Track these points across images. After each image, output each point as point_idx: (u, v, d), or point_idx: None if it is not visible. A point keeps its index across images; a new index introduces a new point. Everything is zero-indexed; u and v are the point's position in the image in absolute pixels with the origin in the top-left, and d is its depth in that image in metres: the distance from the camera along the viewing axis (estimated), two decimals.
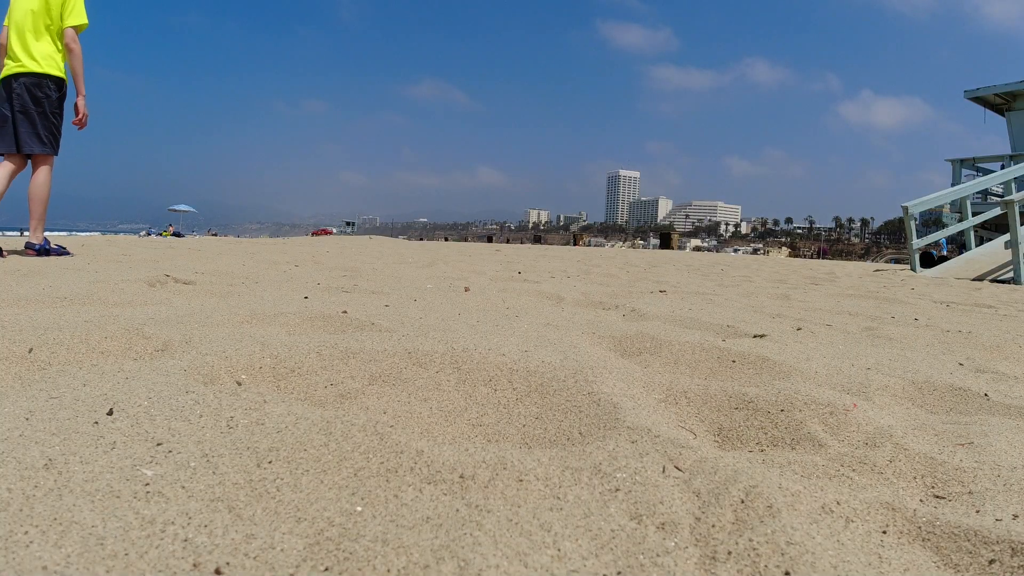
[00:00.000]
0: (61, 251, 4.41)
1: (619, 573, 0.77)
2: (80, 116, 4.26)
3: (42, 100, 4.07)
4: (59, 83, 4.20)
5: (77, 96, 4.22)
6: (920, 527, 0.94)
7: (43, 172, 4.17)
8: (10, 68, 4.10)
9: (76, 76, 4.18)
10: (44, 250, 4.18)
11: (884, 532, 0.93)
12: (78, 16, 4.10)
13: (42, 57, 4.09)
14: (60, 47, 4.15)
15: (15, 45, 4.07)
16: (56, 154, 4.24)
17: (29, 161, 4.22)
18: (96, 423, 1.08)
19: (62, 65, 4.21)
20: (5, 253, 4.18)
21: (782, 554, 0.80)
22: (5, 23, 4.23)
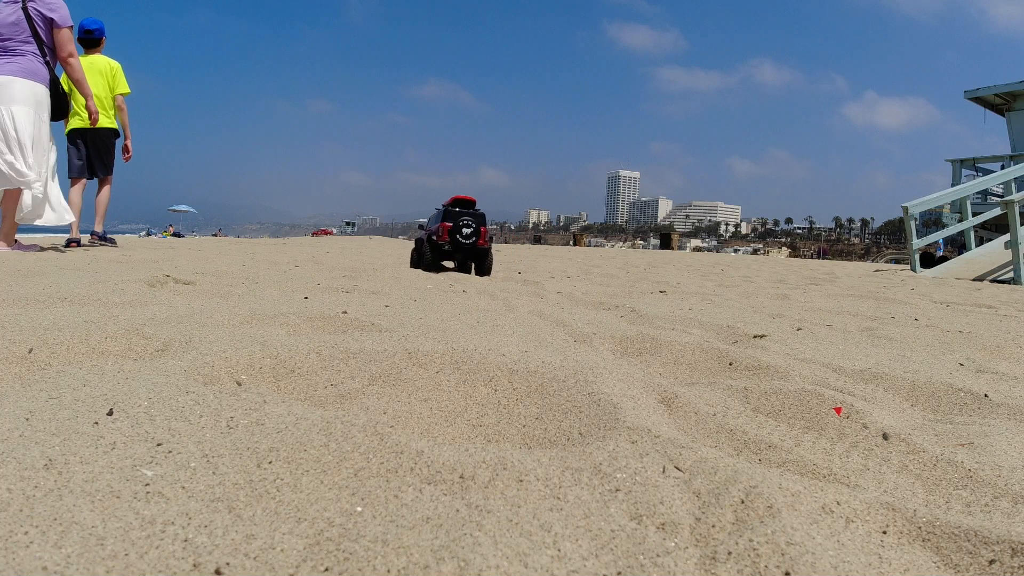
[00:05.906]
0: (112, 241, 6.90)
1: (619, 573, 0.77)
2: (129, 154, 6.78)
3: (108, 143, 6.58)
4: (116, 132, 6.71)
5: (126, 139, 6.75)
6: (920, 527, 0.94)
7: (107, 189, 6.64)
8: (86, 123, 6.14)
9: (125, 127, 6.75)
10: (104, 237, 6.71)
11: (884, 532, 0.93)
12: (125, 86, 6.70)
13: (108, 115, 6.54)
14: (113, 107, 6.62)
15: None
16: (111, 176, 6.65)
17: (86, 181, 6.58)
18: (96, 423, 1.08)
19: (115, 120, 6.68)
20: (84, 242, 6.39)
21: (782, 554, 0.80)
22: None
